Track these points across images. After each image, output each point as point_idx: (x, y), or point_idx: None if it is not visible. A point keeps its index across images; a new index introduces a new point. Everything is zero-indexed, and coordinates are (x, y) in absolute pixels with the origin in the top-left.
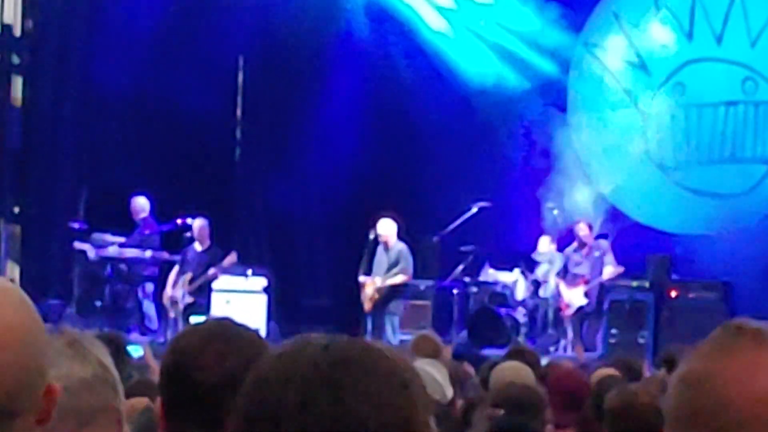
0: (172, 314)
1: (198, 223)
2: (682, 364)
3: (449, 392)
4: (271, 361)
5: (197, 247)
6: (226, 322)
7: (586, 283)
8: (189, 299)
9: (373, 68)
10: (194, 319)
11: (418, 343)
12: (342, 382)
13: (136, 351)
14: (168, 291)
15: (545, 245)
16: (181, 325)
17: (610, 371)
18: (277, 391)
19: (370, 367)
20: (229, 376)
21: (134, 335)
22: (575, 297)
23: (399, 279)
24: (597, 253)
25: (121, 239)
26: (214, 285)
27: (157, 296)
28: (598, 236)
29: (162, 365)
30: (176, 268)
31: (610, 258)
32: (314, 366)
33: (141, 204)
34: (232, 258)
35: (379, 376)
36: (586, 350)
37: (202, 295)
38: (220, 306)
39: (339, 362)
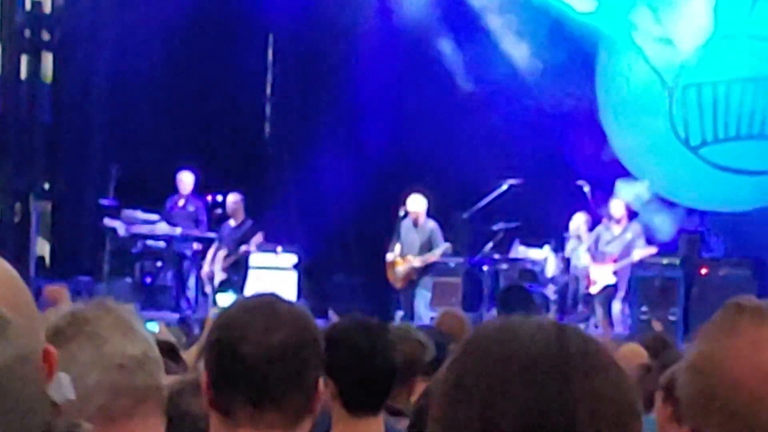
0: (208, 289)
1: (231, 198)
2: (690, 351)
3: None
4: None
5: (231, 223)
6: (272, 297)
7: (615, 262)
8: (223, 275)
9: (403, 44)
10: (221, 296)
11: (443, 320)
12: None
13: (152, 327)
14: (206, 267)
15: (577, 222)
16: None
17: (634, 347)
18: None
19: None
20: (275, 350)
21: (165, 312)
22: (602, 274)
23: (440, 251)
24: (629, 236)
25: (152, 216)
26: (251, 262)
27: (189, 272)
28: (631, 217)
29: (208, 339)
30: (215, 245)
31: (641, 242)
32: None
33: (186, 181)
34: (258, 238)
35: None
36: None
37: (237, 272)
38: (252, 282)
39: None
